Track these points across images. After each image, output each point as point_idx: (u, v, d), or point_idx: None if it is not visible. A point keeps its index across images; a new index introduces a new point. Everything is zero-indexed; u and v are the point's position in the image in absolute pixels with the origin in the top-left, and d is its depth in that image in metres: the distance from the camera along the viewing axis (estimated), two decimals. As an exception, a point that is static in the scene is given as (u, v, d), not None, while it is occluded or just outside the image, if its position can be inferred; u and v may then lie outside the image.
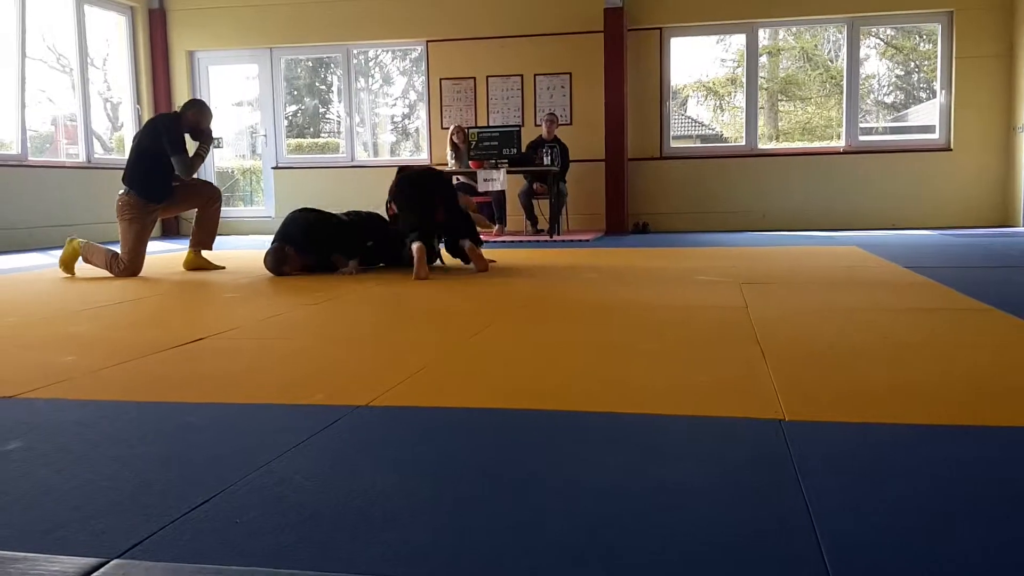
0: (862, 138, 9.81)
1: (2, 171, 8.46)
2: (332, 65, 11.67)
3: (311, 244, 5.51)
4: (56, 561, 1.22)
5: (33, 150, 9.18)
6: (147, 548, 1.26)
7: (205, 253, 6.07)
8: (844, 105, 9.80)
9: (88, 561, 1.22)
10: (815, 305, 3.70)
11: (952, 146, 9.43)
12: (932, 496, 1.43)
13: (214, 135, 6.28)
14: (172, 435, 1.89)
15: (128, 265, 5.67)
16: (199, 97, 6.38)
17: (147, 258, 5.83)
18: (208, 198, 6.08)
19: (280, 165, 10.86)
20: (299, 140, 11.86)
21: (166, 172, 5.78)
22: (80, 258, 5.74)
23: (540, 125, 9.38)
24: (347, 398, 2.15)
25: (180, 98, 10.76)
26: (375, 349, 2.92)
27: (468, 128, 9.29)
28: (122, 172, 5.89)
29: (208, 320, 3.63)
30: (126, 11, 10.48)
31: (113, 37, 10.64)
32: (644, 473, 1.58)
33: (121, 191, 5.80)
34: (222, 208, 6.25)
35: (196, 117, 5.99)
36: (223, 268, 6.00)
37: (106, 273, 5.65)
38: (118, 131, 11.44)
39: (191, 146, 5.91)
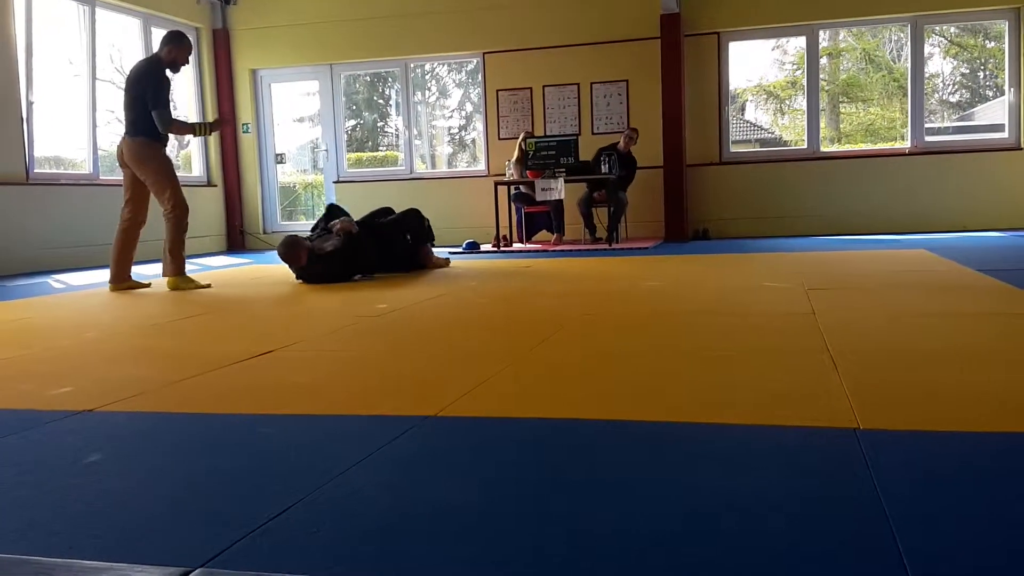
0: (928, 138, 9.58)
1: (75, 189, 8.74)
2: (390, 79, 11.82)
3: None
4: (142, 570, 1.25)
5: (104, 169, 9.45)
6: (228, 558, 1.29)
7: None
8: (909, 105, 9.59)
9: (173, 570, 1.25)
10: (885, 310, 3.63)
11: (1022, 144, 9.16)
12: (1021, 509, 1.39)
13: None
14: (247, 446, 1.92)
15: (183, 209, 5.79)
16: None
17: (211, 273, 5.90)
18: (171, 202, 5.78)
19: (341, 179, 11.01)
20: (359, 154, 12.01)
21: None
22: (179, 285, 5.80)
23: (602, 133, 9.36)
24: (415, 408, 2.17)
25: (244, 116, 11.02)
26: (440, 359, 2.93)
27: (527, 137, 9.30)
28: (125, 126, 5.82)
29: (274, 333, 3.69)
30: (191, 32, 10.74)
31: (179, 57, 10.91)
32: (717, 483, 1.56)
33: (127, 138, 5.73)
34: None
35: (173, 54, 5.85)
36: (209, 286, 5.87)
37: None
38: (184, 149, 11.72)
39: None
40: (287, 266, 6.05)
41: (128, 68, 10.96)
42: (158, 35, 10.14)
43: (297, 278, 6.08)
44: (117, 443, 1.98)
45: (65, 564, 1.29)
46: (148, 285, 6.07)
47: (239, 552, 1.31)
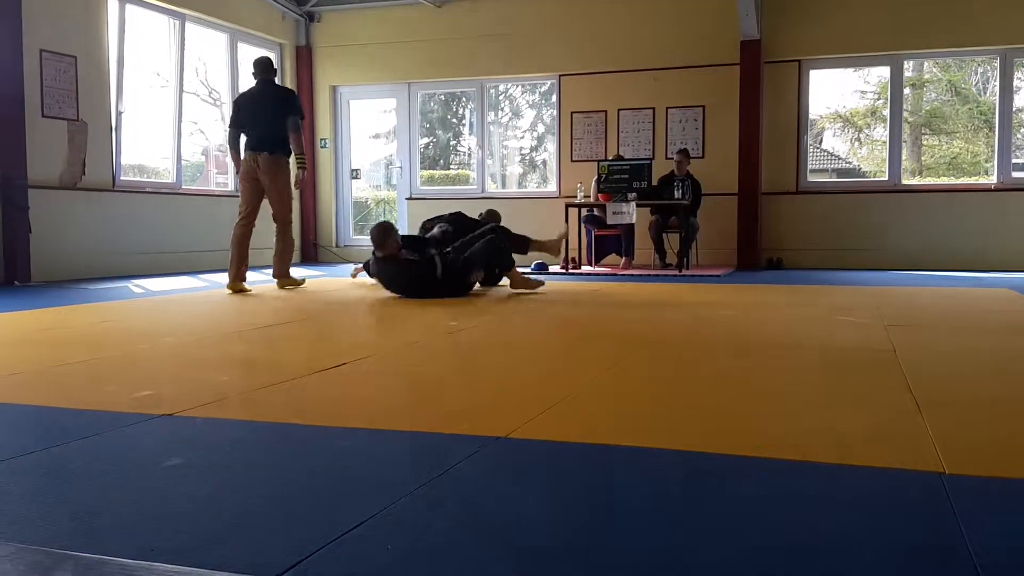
0: (1015, 174, 9.28)
1: (158, 198, 9.01)
2: (464, 99, 11.94)
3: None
4: (223, 577, 1.27)
5: (186, 179, 9.73)
6: (305, 569, 1.30)
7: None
8: (996, 139, 9.32)
9: (252, 579, 1.26)
10: (969, 351, 3.51)
11: (1116, 183, 8.83)
12: (1121, 564, 1.32)
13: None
14: (323, 457, 1.94)
15: (290, 218, 6.81)
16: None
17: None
18: (282, 214, 6.76)
19: (413, 196, 11.14)
20: (431, 171, 12.15)
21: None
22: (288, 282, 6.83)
23: (671, 159, 9.27)
24: (488, 428, 2.17)
25: (322, 131, 11.25)
26: (510, 380, 2.93)
27: (601, 161, 9.28)
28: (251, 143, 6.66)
29: (349, 345, 3.74)
30: (275, 48, 11.03)
31: (262, 72, 11.19)
32: (794, 522, 1.52)
33: (266, 153, 6.57)
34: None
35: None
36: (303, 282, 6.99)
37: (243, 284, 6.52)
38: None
39: None
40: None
41: (212, 81, 11.28)
42: (244, 50, 10.46)
43: (368, 269, 6.39)
44: (196, 448, 2.02)
45: (147, 567, 1.31)
46: (249, 291, 6.70)
47: (317, 563, 1.32)
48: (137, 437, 2.13)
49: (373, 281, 6.72)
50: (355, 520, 1.49)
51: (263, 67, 6.85)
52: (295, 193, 7.06)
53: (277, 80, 7.21)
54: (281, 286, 6.81)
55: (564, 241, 6.89)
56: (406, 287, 5.95)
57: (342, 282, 7.53)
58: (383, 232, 6.03)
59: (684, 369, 3.16)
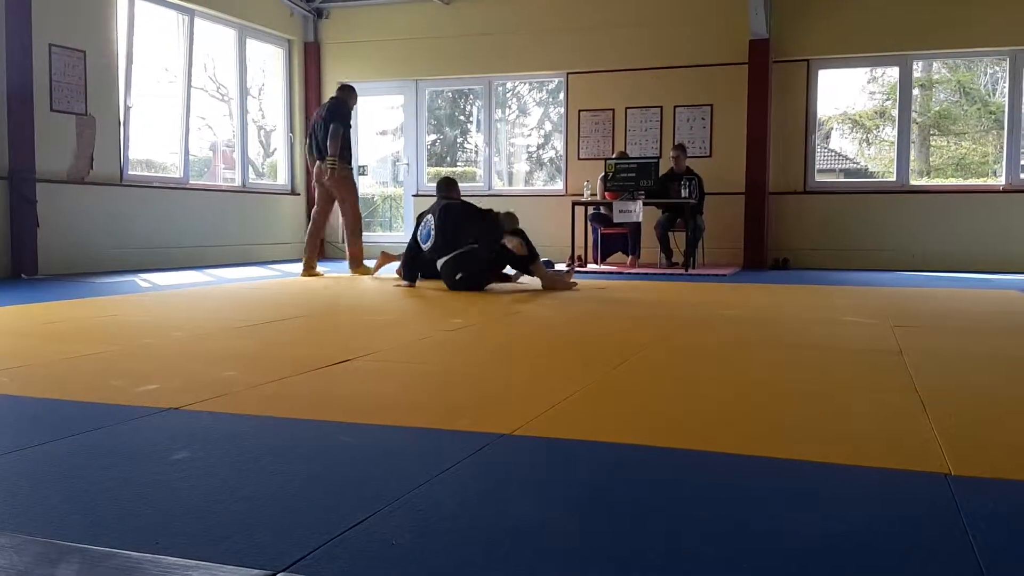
0: (1024, 176, 9.27)
1: (165, 192, 9.03)
2: (471, 96, 11.93)
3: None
4: (228, 571, 1.27)
5: (193, 174, 9.74)
6: (310, 564, 1.30)
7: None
8: (1004, 141, 9.29)
9: (257, 572, 1.26)
10: (976, 352, 3.50)
11: (1125, 186, 8.79)
12: None
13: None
14: (327, 453, 1.95)
15: (358, 218, 7.99)
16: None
17: (292, 280, 6.73)
18: (344, 217, 7.94)
19: (420, 192, 11.14)
20: (438, 168, 12.15)
21: (346, 145, 7.77)
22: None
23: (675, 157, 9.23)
24: (492, 425, 2.17)
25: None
26: (514, 377, 2.93)
27: (608, 159, 9.27)
28: (308, 151, 8.01)
29: (355, 341, 3.74)
30: (284, 44, 11.04)
31: (270, 68, 11.22)
32: (796, 523, 1.52)
33: (318, 162, 7.71)
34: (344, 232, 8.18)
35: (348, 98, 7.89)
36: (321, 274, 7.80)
37: (256, 288, 6.04)
38: (270, 157, 12.01)
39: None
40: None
41: (220, 76, 11.33)
42: (253, 46, 10.48)
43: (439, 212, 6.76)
44: (202, 442, 2.02)
45: (153, 560, 1.31)
46: (321, 274, 7.86)
47: (320, 558, 1.32)
48: (143, 431, 2.13)
49: (378, 274, 7.03)
50: (358, 517, 1.50)
51: (339, 87, 7.96)
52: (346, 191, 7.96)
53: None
54: (353, 272, 7.89)
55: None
56: (454, 223, 6.36)
57: (345, 278, 7.54)
58: (453, 181, 6.98)
59: (689, 368, 3.16)
